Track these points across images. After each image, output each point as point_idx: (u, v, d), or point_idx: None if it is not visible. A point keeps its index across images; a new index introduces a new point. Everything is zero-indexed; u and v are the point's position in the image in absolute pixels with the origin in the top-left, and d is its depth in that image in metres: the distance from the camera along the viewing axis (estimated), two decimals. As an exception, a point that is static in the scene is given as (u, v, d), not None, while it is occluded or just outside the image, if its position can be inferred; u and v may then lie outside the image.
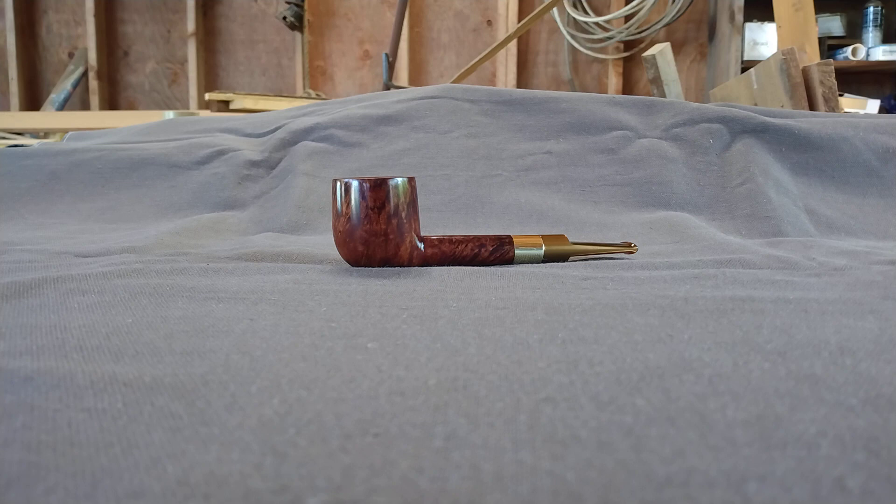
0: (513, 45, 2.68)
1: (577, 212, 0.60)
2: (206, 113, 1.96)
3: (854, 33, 2.63)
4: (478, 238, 0.41)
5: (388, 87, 1.70)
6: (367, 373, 0.20)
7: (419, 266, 0.39)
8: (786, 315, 0.26)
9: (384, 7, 2.78)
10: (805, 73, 1.04)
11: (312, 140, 0.71)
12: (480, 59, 1.72)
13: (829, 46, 2.54)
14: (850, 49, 2.48)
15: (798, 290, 0.31)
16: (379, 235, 0.38)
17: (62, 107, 2.46)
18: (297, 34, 2.80)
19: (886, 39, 2.58)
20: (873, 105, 1.55)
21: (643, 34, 2.64)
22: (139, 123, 0.89)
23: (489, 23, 2.76)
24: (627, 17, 2.62)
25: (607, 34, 2.66)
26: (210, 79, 2.87)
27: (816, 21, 1.37)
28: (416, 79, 2.73)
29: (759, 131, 0.66)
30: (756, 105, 1.07)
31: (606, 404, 0.17)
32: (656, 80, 1.45)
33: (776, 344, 0.23)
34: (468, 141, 0.68)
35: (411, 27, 2.72)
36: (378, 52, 2.77)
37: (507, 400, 0.18)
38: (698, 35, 2.79)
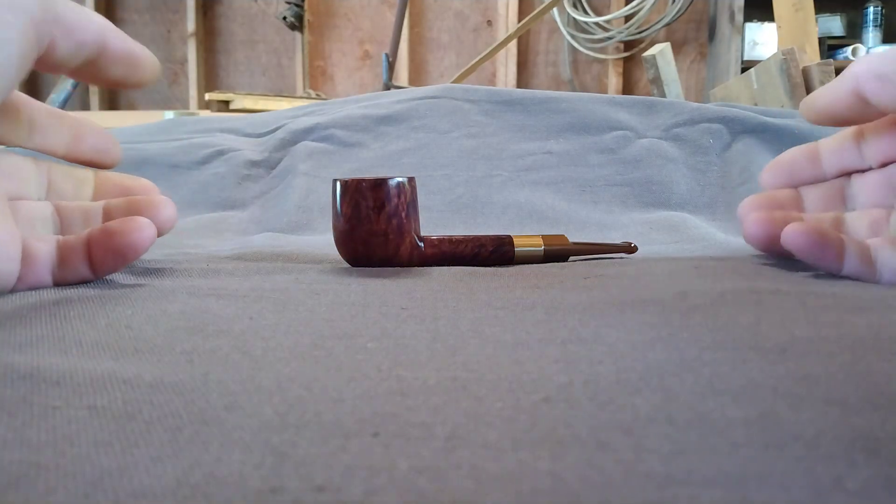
0: (513, 45, 2.68)
1: (577, 212, 0.60)
2: (206, 113, 1.96)
3: (854, 33, 2.63)
4: (478, 238, 0.41)
5: (388, 87, 1.70)
6: (367, 373, 0.20)
7: (419, 266, 0.39)
8: (785, 309, 0.26)
9: (384, 7, 2.78)
10: (805, 73, 1.04)
11: (312, 140, 0.71)
12: (480, 59, 1.72)
13: (829, 46, 2.54)
14: (850, 49, 2.48)
15: (797, 285, 0.31)
16: (379, 235, 0.38)
17: (62, 107, 2.46)
18: (297, 34, 2.80)
19: (886, 39, 2.58)
20: (873, 105, 1.55)
21: (643, 34, 2.64)
22: (139, 123, 0.89)
23: (489, 23, 2.76)
24: (627, 17, 2.62)
25: (607, 34, 2.66)
26: (210, 79, 2.87)
27: (816, 21, 1.37)
28: (416, 79, 2.73)
29: (759, 131, 0.66)
30: (756, 105, 1.07)
31: (606, 404, 0.17)
32: (656, 80, 1.45)
33: (775, 341, 0.23)
34: (468, 141, 0.68)
35: (411, 27, 2.72)
36: (378, 52, 2.77)
37: (507, 400, 0.18)
38: (698, 35, 2.79)
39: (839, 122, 0.35)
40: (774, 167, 0.41)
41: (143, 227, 0.30)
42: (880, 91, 0.31)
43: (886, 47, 2.42)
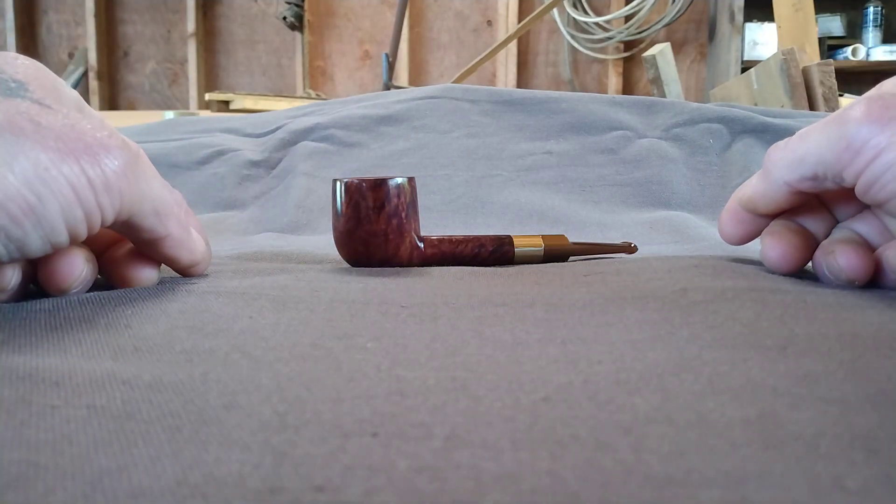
0: (513, 45, 2.68)
1: (577, 212, 0.60)
2: (206, 113, 1.96)
3: (854, 33, 2.63)
4: (478, 238, 0.41)
5: (388, 87, 1.70)
6: (367, 372, 0.20)
7: (419, 266, 0.39)
8: (785, 307, 0.26)
9: (384, 7, 2.78)
10: (805, 73, 1.04)
11: (312, 140, 0.71)
12: (480, 59, 1.72)
13: (829, 46, 2.54)
14: (850, 49, 2.48)
15: (798, 284, 0.31)
16: (379, 235, 0.38)
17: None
18: (297, 34, 2.79)
19: (886, 39, 2.57)
20: (873, 105, 1.55)
21: (643, 34, 2.64)
22: (139, 123, 0.89)
23: (489, 23, 2.76)
24: (627, 18, 2.62)
25: (607, 34, 2.66)
26: (210, 79, 2.87)
27: (816, 21, 1.37)
28: (416, 79, 2.73)
29: (759, 131, 0.66)
30: (756, 105, 1.07)
31: (605, 404, 0.17)
32: (656, 80, 1.45)
33: (775, 339, 0.22)
34: (468, 141, 0.68)
35: (411, 27, 2.72)
36: (378, 52, 2.77)
37: (507, 400, 0.18)
38: (698, 35, 2.79)
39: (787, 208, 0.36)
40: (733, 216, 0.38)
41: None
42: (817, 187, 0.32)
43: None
